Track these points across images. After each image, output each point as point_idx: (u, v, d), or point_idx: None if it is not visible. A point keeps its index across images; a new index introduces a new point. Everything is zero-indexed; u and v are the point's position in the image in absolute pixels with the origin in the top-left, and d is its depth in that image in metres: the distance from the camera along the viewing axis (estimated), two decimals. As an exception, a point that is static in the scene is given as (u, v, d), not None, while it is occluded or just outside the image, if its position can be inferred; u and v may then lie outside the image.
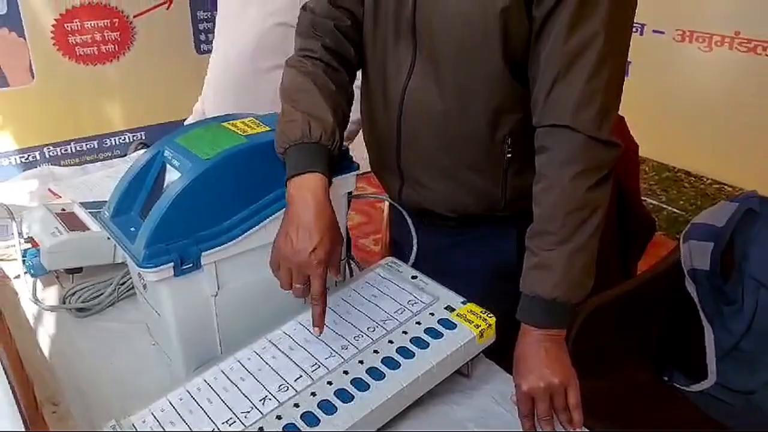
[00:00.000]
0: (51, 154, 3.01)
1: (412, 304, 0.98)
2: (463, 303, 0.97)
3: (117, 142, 3.17)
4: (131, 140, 3.14)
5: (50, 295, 1.19)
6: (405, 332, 0.93)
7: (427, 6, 0.97)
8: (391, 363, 0.88)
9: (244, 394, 0.85)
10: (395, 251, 1.23)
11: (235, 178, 0.92)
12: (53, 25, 2.84)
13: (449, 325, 0.93)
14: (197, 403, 0.85)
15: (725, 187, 3.08)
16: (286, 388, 0.85)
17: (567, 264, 0.87)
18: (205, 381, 0.88)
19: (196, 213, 0.89)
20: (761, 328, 1.48)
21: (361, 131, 1.24)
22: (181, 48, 3.17)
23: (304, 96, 0.97)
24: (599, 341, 1.42)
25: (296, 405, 0.82)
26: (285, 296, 0.89)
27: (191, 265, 0.90)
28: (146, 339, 1.07)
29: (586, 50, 0.87)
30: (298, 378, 0.86)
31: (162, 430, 0.81)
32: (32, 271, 1.17)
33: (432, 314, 0.95)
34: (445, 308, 0.96)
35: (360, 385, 0.85)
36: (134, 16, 3.01)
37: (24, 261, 1.18)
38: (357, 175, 1.04)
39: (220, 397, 0.85)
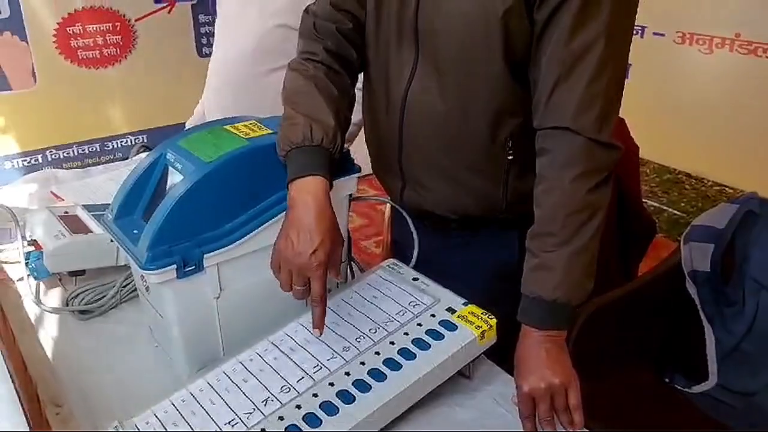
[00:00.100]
0: (53, 157, 3.02)
1: (413, 306, 0.98)
2: (464, 304, 0.97)
3: (119, 145, 3.17)
4: (133, 143, 3.15)
5: (53, 297, 1.19)
6: (406, 334, 0.93)
7: (430, 7, 0.97)
8: (392, 364, 0.88)
9: (246, 396, 0.85)
10: (396, 253, 1.23)
11: (237, 181, 0.92)
12: (55, 29, 2.85)
13: (450, 326, 0.93)
14: (200, 404, 0.85)
15: (726, 188, 3.09)
16: (287, 389, 0.85)
17: (567, 265, 0.88)
18: (207, 382, 0.88)
19: (199, 215, 0.90)
20: (762, 329, 1.48)
21: (362, 132, 1.24)
22: (183, 51, 3.18)
23: (306, 99, 0.98)
24: (600, 342, 1.42)
25: (298, 406, 0.83)
26: (287, 298, 0.89)
27: (194, 267, 0.90)
28: (149, 341, 1.07)
29: (587, 54, 0.87)
30: (300, 379, 0.87)
31: (165, 431, 0.82)
32: (35, 274, 1.17)
33: (433, 316, 0.96)
34: (446, 310, 0.97)
35: (361, 386, 0.85)
36: (136, 20, 3.02)
37: (27, 264, 1.18)
38: (358, 177, 1.04)
39: (222, 399, 0.85)
